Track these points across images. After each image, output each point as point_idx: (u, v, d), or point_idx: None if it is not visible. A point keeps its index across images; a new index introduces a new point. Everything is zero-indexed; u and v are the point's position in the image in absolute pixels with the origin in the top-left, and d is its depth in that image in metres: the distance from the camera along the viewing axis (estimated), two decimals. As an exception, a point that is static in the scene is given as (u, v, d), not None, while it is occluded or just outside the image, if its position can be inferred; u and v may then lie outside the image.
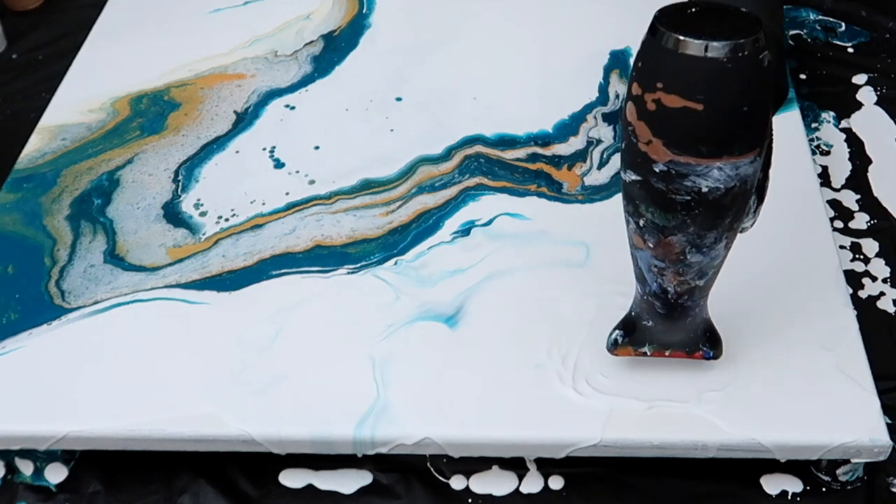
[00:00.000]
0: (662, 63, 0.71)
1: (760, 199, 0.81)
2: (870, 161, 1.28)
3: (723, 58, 0.69)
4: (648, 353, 0.90)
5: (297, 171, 1.16)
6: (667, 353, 0.90)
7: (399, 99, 1.25)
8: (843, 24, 1.50)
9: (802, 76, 1.41)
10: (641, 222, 0.79)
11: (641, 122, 0.73)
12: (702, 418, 0.88)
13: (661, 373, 0.92)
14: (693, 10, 0.73)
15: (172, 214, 1.12)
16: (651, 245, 0.80)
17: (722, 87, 0.70)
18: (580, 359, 0.93)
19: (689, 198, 0.75)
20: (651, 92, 0.72)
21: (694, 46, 0.69)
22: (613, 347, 0.90)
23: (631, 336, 0.90)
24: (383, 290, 1.01)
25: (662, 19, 0.71)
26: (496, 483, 0.97)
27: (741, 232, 0.82)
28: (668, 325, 0.88)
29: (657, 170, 0.74)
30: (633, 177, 0.77)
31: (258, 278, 1.03)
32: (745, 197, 0.77)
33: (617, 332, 0.90)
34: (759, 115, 0.73)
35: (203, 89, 1.28)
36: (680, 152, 0.73)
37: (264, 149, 1.19)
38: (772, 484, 0.95)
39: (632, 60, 1.29)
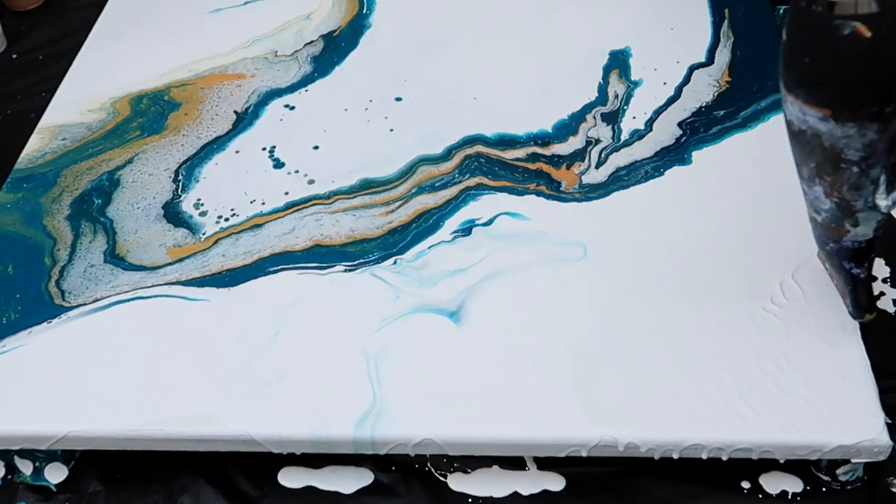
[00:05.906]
0: None
1: (892, 183, 0.79)
2: (870, 161, 1.28)
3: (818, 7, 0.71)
4: (826, 269, 0.94)
5: (297, 171, 1.16)
6: (833, 281, 0.93)
7: (399, 99, 1.25)
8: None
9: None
10: None
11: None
12: (701, 418, 0.88)
13: (661, 372, 0.92)
14: None
15: (172, 214, 1.12)
16: None
17: (802, 27, 0.73)
18: (580, 358, 0.93)
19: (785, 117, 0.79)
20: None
21: None
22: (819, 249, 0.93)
23: None
24: (383, 290, 1.01)
25: None
26: (496, 483, 0.97)
27: (873, 208, 0.80)
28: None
29: None
30: None
31: (257, 276, 1.03)
32: (825, 151, 0.77)
33: None
34: (831, 75, 0.73)
35: (203, 89, 1.29)
36: (782, 73, 0.77)
37: (264, 149, 1.19)
38: (772, 484, 0.95)
39: (631, 61, 1.30)
